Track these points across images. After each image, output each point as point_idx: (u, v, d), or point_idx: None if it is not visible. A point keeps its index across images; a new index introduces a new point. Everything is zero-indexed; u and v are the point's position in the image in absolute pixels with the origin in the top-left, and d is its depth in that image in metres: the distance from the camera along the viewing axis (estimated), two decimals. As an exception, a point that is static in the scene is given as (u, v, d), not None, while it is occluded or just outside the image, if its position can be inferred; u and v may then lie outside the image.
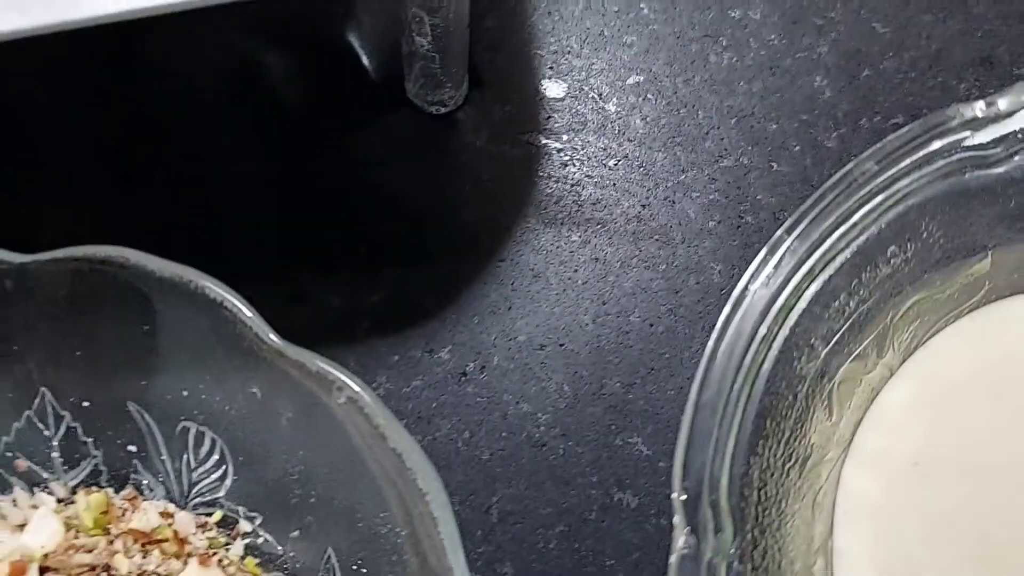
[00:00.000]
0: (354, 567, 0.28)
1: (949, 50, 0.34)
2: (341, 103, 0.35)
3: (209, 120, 0.36)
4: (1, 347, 0.30)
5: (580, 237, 0.34)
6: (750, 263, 0.32)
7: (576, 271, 0.34)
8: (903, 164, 0.25)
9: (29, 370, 0.30)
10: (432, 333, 0.33)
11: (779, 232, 0.24)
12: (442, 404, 0.33)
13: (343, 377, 0.26)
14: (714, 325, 0.32)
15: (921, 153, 0.25)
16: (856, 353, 0.25)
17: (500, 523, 0.31)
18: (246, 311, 0.27)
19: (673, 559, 0.22)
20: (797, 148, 0.34)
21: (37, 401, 0.30)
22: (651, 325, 0.33)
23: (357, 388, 0.26)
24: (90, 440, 0.30)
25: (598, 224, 0.34)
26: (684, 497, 0.22)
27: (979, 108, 0.25)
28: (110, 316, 0.29)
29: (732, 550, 0.22)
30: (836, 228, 0.24)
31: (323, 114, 0.36)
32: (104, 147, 0.35)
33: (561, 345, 0.33)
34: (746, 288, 0.24)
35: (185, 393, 0.29)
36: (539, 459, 0.32)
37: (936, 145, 0.25)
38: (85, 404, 0.30)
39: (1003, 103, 0.25)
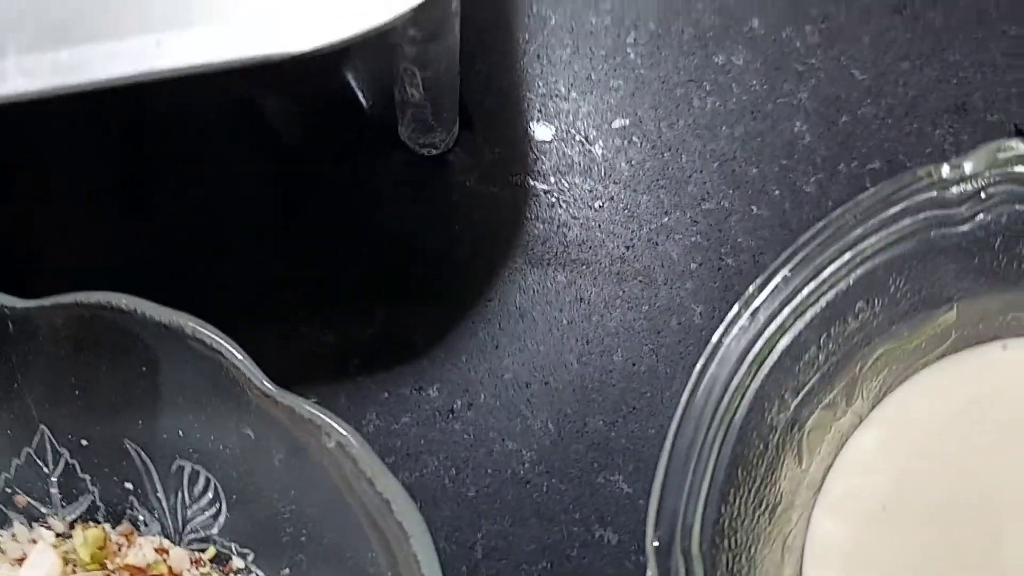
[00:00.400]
0: (343, 604, 0.29)
1: (925, 97, 0.35)
2: (335, 142, 0.36)
3: (206, 156, 0.37)
4: (2, 385, 0.31)
5: (566, 277, 0.35)
6: (730, 306, 0.34)
7: (561, 311, 0.35)
8: (871, 222, 0.26)
9: (29, 408, 0.31)
10: (421, 371, 0.34)
11: (752, 287, 0.25)
12: (430, 441, 0.33)
13: (331, 423, 0.27)
14: (694, 366, 0.33)
15: (890, 212, 0.26)
16: (826, 402, 0.26)
17: (484, 559, 0.32)
18: (240, 357, 0.28)
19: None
20: (777, 192, 0.35)
21: (36, 438, 0.31)
22: (633, 364, 0.34)
23: (345, 433, 0.27)
24: (88, 477, 0.31)
25: (583, 265, 0.35)
26: (657, 544, 0.23)
27: (945, 170, 0.26)
28: (109, 358, 0.30)
29: None
30: (807, 284, 0.25)
31: (317, 152, 0.36)
32: (103, 186, 0.36)
33: (546, 383, 0.34)
34: (720, 340, 0.25)
35: (180, 433, 0.30)
36: (523, 496, 0.33)
37: (904, 204, 0.26)
38: (83, 442, 0.31)
39: (968, 165, 0.26)
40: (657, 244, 0.35)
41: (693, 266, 0.34)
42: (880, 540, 0.27)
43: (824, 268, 0.26)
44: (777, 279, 0.25)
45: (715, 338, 0.25)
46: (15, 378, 0.31)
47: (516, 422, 0.33)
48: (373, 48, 0.35)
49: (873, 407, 0.27)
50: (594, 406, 0.33)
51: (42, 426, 0.31)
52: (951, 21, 0.36)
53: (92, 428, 0.31)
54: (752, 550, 0.25)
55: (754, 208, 0.35)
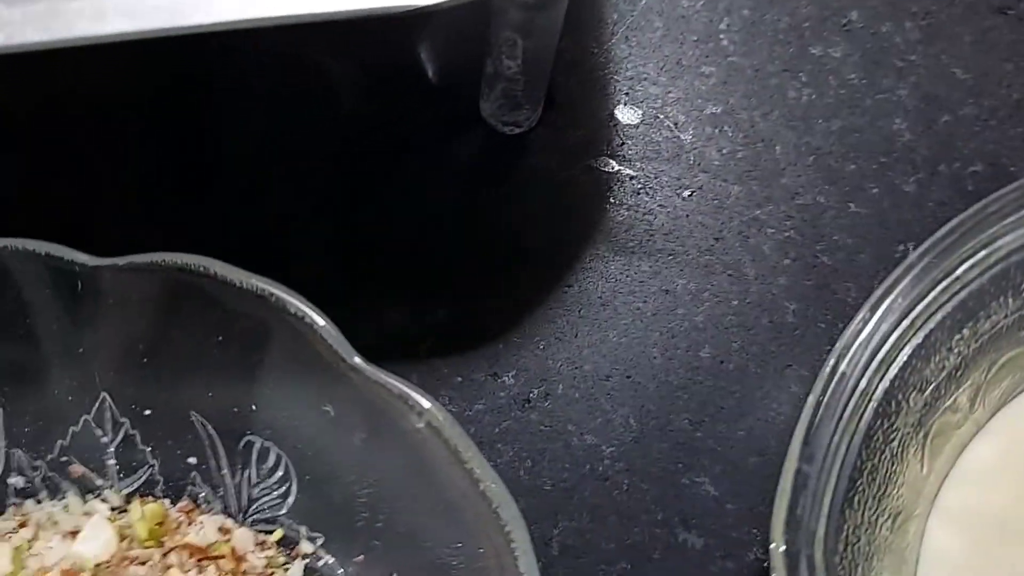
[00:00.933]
0: (419, 595, 0.27)
1: (1030, 99, 0.34)
2: (410, 119, 0.35)
3: (276, 130, 0.35)
4: (65, 349, 0.29)
5: (650, 267, 0.33)
6: (826, 304, 0.32)
7: (645, 302, 0.33)
8: (1009, 220, 0.24)
9: (92, 373, 0.29)
10: (496, 356, 0.33)
11: (882, 285, 0.24)
12: (504, 430, 0.32)
13: (423, 401, 0.26)
14: (788, 366, 0.32)
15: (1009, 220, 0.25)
16: (948, 406, 0.25)
17: (561, 556, 0.31)
18: (328, 327, 0.27)
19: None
20: (875, 190, 0.33)
21: (97, 406, 0.30)
22: (721, 362, 0.32)
23: (439, 414, 0.26)
24: (148, 449, 0.30)
25: (669, 255, 0.33)
26: (784, 549, 0.22)
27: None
28: (182, 324, 0.28)
29: None
30: (940, 282, 0.24)
31: (391, 129, 0.35)
32: (171, 154, 0.35)
33: (628, 377, 0.32)
34: (850, 339, 0.24)
35: (254, 407, 0.29)
36: (603, 493, 0.31)
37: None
38: (146, 412, 0.30)
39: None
40: (748, 237, 0.33)
41: (786, 262, 0.33)
42: (996, 558, 0.25)
43: (958, 266, 0.24)
44: (909, 276, 0.24)
45: (846, 335, 0.23)
46: (80, 341, 0.29)
47: (595, 415, 0.32)
48: (460, 15, 0.34)
49: (993, 415, 0.26)
50: (679, 403, 0.32)
51: (104, 393, 0.30)
52: (1058, 24, 0.35)
53: (157, 397, 0.29)
54: (873, 560, 0.23)
55: (851, 205, 0.33)
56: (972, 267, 0.24)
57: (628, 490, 0.31)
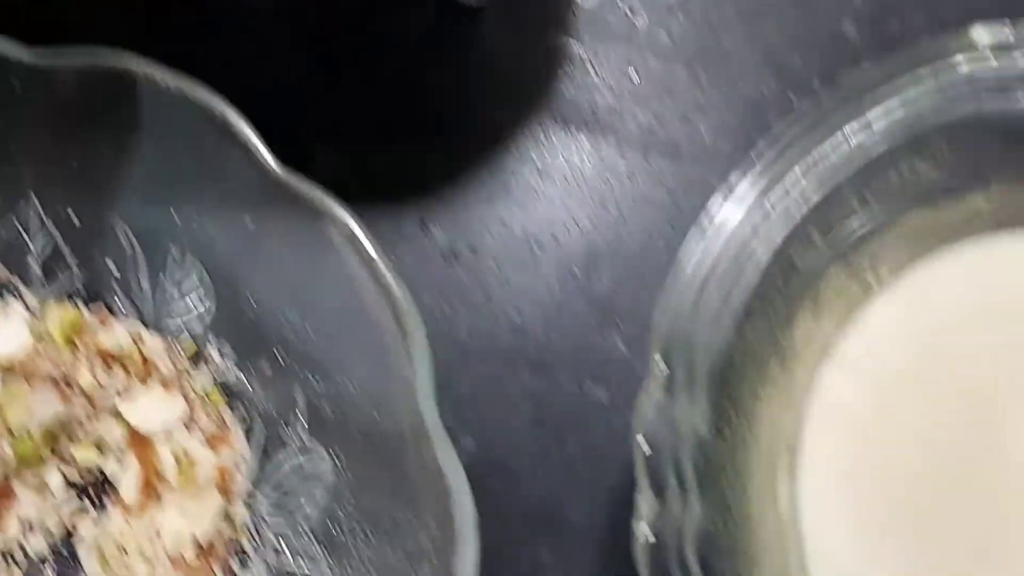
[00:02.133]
0: (321, 407, 0.28)
1: (980, 5, 0.35)
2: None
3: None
4: (-5, 143, 0.29)
5: (590, 142, 0.34)
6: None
7: (581, 173, 0.33)
8: (924, 71, 0.25)
9: (20, 173, 0.30)
10: (428, 209, 0.33)
11: (781, 126, 0.24)
12: (429, 280, 0.32)
13: (344, 215, 0.26)
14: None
15: (943, 65, 0.25)
16: (851, 259, 0.25)
17: (470, 399, 0.31)
18: (252, 136, 0.27)
19: (642, 402, 0.22)
20: (816, 84, 0.34)
21: (22, 205, 0.30)
22: (650, 236, 0.33)
23: (355, 226, 0.26)
24: (70, 251, 0.30)
25: (610, 131, 0.34)
26: (658, 357, 0.22)
27: (1007, 32, 0.25)
28: (111, 127, 0.29)
29: (701, 415, 0.22)
30: (843, 124, 0.24)
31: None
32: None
33: (555, 239, 0.33)
34: (762, 157, 0.24)
35: (176, 216, 0.29)
36: (517, 344, 0.32)
37: (959, 63, 0.25)
38: (71, 214, 0.30)
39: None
40: (689, 120, 0.34)
41: (725, 148, 0.34)
42: (885, 407, 0.26)
43: (868, 110, 0.25)
44: (810, 119, 0.24)
45: (756, 151, 0.24)
46: (10, 139, 0.29)
47: (519, 273, 0.32)
48: None
49: (896, 278, 0.26)
50: (601, 269, 0.32)
51: (31, 192, 0.30)
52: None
53: (83, 201, 0.29)
54: (758, 388, 0.24)
55: (791, 95, 0.34)
56: (884, 118, 0.25)
57: (543, 343, 0.32)
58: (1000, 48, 0.25)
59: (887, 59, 0.25)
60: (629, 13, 0.35)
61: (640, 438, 0.22)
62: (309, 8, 0.35)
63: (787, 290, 0.25)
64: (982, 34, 0.26)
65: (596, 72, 0.35)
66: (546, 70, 0.35)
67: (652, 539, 0.21)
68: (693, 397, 0.23)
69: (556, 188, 0.33)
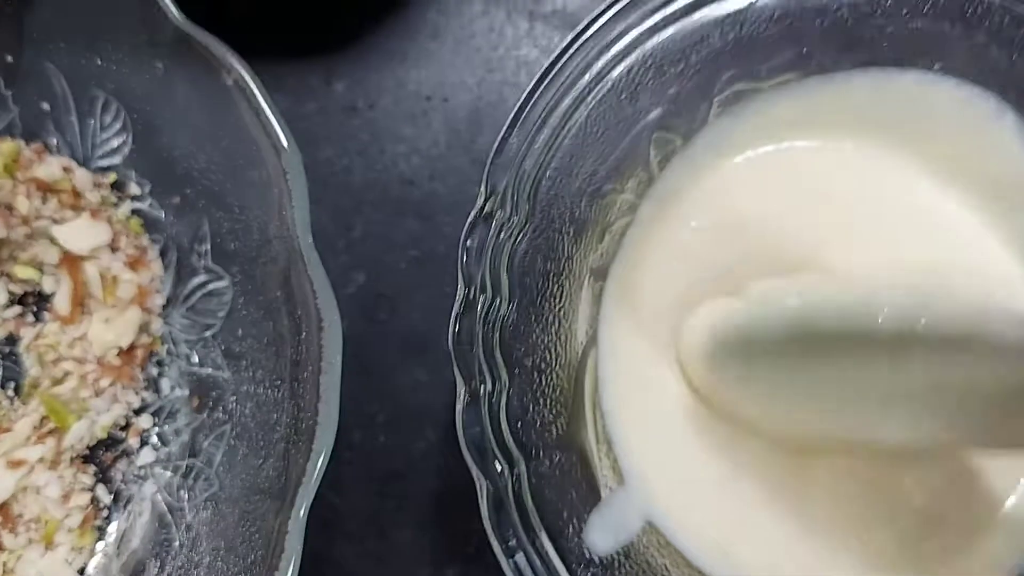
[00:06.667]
0: (222, 235, 0.32)
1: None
2: None
3: None
4: (-64, -9, 0.33)
5: (481, 7, 0.37)
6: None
7: (472, 37, 0.37)
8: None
9: (-41, 19, 0.33)
10: (332, 65, 0.37)
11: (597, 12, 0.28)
12: (329, 131, 0.36)
13: (232, 60, 0.30)
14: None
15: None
16: (673, 124, 0.30)
17: (361, 240, 0.36)
18: (160, -10, 0.30)
19: (472, 216, 0.26)
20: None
21: (-36, 49, 0.33)
22: (531, 94, 0.36)
23: (244, 73, 0.30)
24: (9, 94, 0.34)
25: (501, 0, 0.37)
26: (495, 163, 0.27)
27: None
28: (39, -21, 0.32)
29: (519, 227, 0.27)
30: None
31: None
32: None
33: (445, 100, 0.37)
34: (595, 21, 0.28)
35: (99, 61, 0.33)
36: (405, 194, 0.36)
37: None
38: (8, 58, 0.33)
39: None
40: (574, -7, 0.37)
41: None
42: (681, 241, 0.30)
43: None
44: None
45: (588, 19, 0.28)
46: (-50, -13, 0.33)
47: (411, 129, 0.36)
48: None
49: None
50: (485, 127, 0.36)
51: (-30, 38, 0.33)
52: None
53: (17, 47, 0.33)
54: (575, 212, 0.28)
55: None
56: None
57: (428, 193, 0.36)
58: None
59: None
60: None
61: (464, 235, 0.27)
62: None
63: (610, 133, 0.29)
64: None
65: (493, -55, 0.38)
66: (447, -59, 0.38)
67: (459, 324, 0.26)
68: (516, 212, 0.27)
69: (449, 50, 0.37)
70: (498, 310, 0.27)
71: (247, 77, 0.30)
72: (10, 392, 0.33)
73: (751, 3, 0.29)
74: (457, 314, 0.27)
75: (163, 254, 0.34)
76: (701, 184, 0.31)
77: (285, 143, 0.29)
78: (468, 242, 0.27)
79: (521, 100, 0.27)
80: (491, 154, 0.27)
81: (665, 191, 0.31)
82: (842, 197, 0.31)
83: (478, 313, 0.27)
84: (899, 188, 0.31)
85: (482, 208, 0.27)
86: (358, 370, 0.34)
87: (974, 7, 0.29)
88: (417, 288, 0.36)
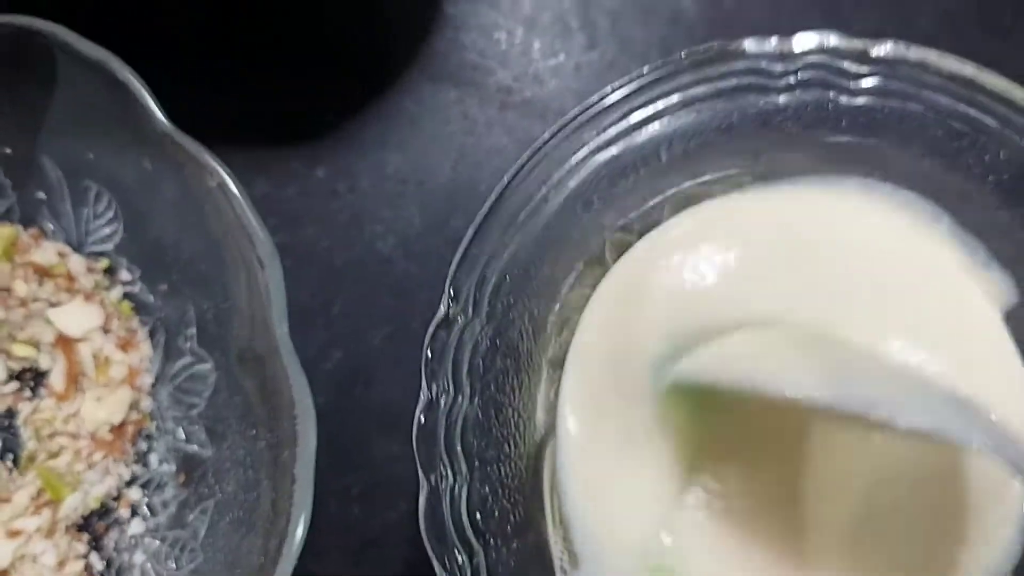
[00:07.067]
0: (207, 322, 0.34)
1: (806, -5, 0.40)
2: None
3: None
4: (-62, 91, 0.35)
5: (456, 95, 0.39)
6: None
7: (447, 124, 0.39)
8: (706, 71, 0.30)
9: (-38, 114, 0.35)
10: (313, 151, 0.39)
11: (585, 105, 0.30)
12: (311, 213, 0.38)
13: (215, 165, 0.32)
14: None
15: (721, 68, 0.31)
16: (625, 220, 0.32)
17: (339, 317, 0.38)
18: (145, 93, 0.32)
19: (434, 323, 0.28)
20: (654, 56, 0.39)
21: (-34, 142, 0.36)
22: (499, 180, 0.39)
23: (227, 177, 0.32)
24: (8, 182, 0.36)
25: (473, 87, 0.39)
26: (451, 291, 0.29)
27: (772, 43, 0.31)
28: (37, 80, 0.34)
29: (481, 328, 0.29)
30: (636, 110, 0.30)
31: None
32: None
33: (421, 183, 0.39)
34: (547, 141, 0.30)
35: (91, 156, 0.35)
36: (382, 272, 0.38)
37: (736, 65, 0.31)
38: (7, 150, 0.36)
39: (794, 44, 0.31)
40: (542, 82, 0.39)
41: (568, 107, 0.39)
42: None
43: (656, 100, 0.30)
44: (609, 100, 0.30)
45: (545, 136, 0.30)
46: (-49, 84, 0.35)
47: (389, 209, 0.38)
48: None
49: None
50: (458, 209, 0.38)
51: (-29, 131, 0.35)
52: (845, -67, 0.40)
53: (16, 139, 0.35)
54: (535, 312, 0.30)
55: (631, 66, 0.39)
56: (669, 106, 0.30)
57: (403, 272, 0.38)
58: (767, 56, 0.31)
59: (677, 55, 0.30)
60: (500, -21, 0.40)
61: (428, 341, 0.29)
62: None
63: (568, 240, 0.31)
64: (752, 44, 0.31)
65: (465, 31, 0.40)
66: (420, 27, 0.40)
67: (423, 421, 0.28)
68: (478, 316, 0.29)
69: (425, 136, 0.39)
70: (460, 407, 0.29)
71: (228, 181, 0.32)
72: (8, 463, 0.36)
73: (697, 118, 0.31)
74: (421, 412, 0.29)
75: (152, 335, 0.36)
76: (652, 275, 0.33)
77: (265, 243, 0.31)
78: (430, 347, 0.29)
79: (483, 213, 0.29)
80: (454, 264, 0.29)
81: (618, 283, 0.33)
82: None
83: (440, 411, 0.29)
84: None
85: (446, 314, 0.29)
86: (334, 443, 0.36)
87: (910, 122, 0.31)
88: (391, 363, 0.38)
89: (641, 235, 0.33)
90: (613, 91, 0.30)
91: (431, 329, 0.29)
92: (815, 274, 0.32)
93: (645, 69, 0.31)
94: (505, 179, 0.30)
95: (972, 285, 0.31)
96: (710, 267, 0.31)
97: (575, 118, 0.30)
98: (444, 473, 0.29)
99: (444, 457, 0.29)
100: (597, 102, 0.31)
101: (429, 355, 0.29)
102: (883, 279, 0.31)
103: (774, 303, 0.31)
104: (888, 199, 0.32)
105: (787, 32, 0.39)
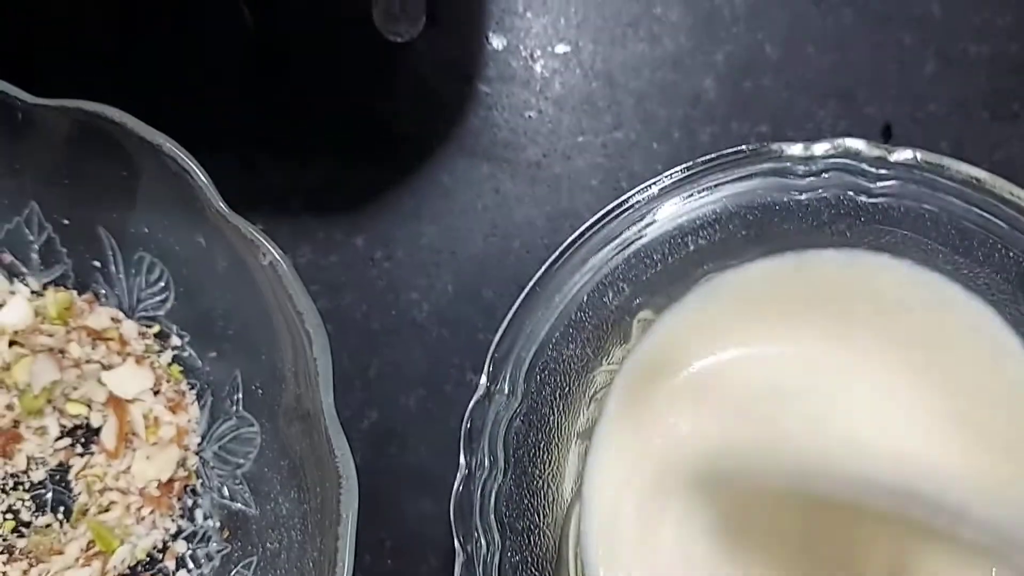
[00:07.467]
0: (253, 387, 0.36)
1: (820, 81, 0.42)
2: (315, 18, 0.42)
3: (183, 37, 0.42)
4: (5, 163, 0.37)
5: (488, 170, 0.41)
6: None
7: (479, 196, 0.41)
8: (733, 172, 0.33)
9: (25, 185, 0.37)
10: (353, 222, 0.41)
11: (630, 193, 0.32)
12: (350, 280, 0.41)
13: (268, 244, 0.34)
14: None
15: (749, 168, 0.33)
16: (654, 301, 0.34)
17: (376, 379, 0.40)
18: (203, 178, 0.35)
19: (473, 402, 0.31)
20: (677, 135, 0.41)
21: (27, 210, 0.38)
22: (528, 252, 0.41)
23: (277, 255, 0.34)
24: (64, 250, 0.38)
25: (505, 162, 0.41)
26: (495, 356, 0.31)
27: (798, 148, 0.33)
28: (96, 158, 0.36)
29: (516, 407, 0.31)
30: (668, 201, 0.32)
31: (300, 26, 0.42)
32: (107, 9, 0.42)
33: (453, 252, 0.41)
34: (592, 226, 0.32)
35: (146, 230, 0.37)
36: (416, 337, 0.40)
37: (762, 166, 0.33)
38: (65, 221, 0.38)
39: (817, 149, 0.33)
40: (570, 158, 0.41)
41: (594, 183, 0.41)
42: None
43: (687, 196, 0.33)
44: (647, 194, 0.32)
45: (582, 228, 0.32)
46: (17, 159, 0.37)
47: (423, 279, 0.41)
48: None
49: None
50: (489, 279, 0.41)
51: (33, 202, 0.38)
52: (859, 20, 0.42)
53: (74, 211, 0.37)
54: (565, 389, 0.33)
55: (655, 144, 0.41)
56: (699, 203, 0.33)
57: (437, 338, 0.40)
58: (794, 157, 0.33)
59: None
60: (530, 59, 0.42)
61: (467, 418, 0.31)
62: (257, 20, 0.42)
63: (600, 322, 0.33)
64: (781, 147, 0.33)
65: (497, 110, 0.42)
66: (457, 106, 0.42)
67: (460, 492, 0.30)
68: (513, 394, 0.32)
69: (458, 207, 0.41)
70: (495, 480, 0.31)
71: (279, 259, 0.34)
72: (60, 515, 0.38)
73: (723, 211, 0.33)
74: (459, 485, 0.31)
75: (199, 397, 0.38)
76: (671, 349, 0.35)
77: (312, 317, 0.33)
78: (468, 422, 0.31)
79: (522, 297, 0.32)
80: (492, 347, 0.31)
81: (641, 357, 0.35)
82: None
83: (476, 483, 0.31)
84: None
85: (485, 392, 0.31)
86: (369, 498, 0.38)
87: (925, 220, 0.33)
88: (424, 425, 0.40)
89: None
90: (646, 187, 0.32)
91: (470, 406, 0.31)
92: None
93: (678, 169, 0.33)
94: (543, 268, 0.32)
95: None
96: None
97: (609, 212, 0.32)
98: (479, 542, 0.31)
99: (479, 527, 0.31)
100: (630, 197, 0.33)
101: (467, 430, 0.31)
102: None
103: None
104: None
105: (803, 115, 0.42)
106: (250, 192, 0.40)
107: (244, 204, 0.35)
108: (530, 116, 0.42)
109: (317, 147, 0.41)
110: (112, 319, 0.38)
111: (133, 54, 0.42)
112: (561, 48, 0.42)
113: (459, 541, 0.30)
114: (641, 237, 0.33)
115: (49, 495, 0.38)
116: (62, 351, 0.38)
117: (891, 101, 0.42)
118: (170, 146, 0.34)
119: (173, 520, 0.38)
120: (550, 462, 0.33)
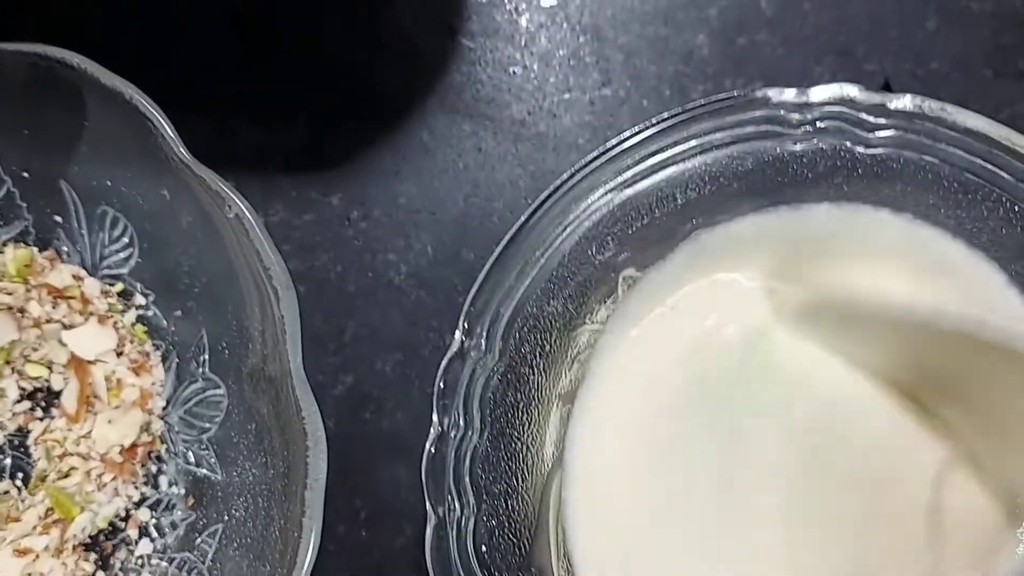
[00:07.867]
0: (220, 348, 0.35)
1: (817, 37, 0.40)
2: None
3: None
4: (-38, 113, 0.35)
5: (470, 128, 0.40)
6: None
7: (460, 156, 0.39)
8: (725, 119, 0.31)
9: (-17, 138, 0.36)
10: (329, 180, 0.39)
11: (608, 144, 0.31)
12: (325, 240, 0.39)
13: (234, 196, 0.32)
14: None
15: (739, 116, 0.31)
16: (640, 258, 0.32)
17: (351, 342, 0.38)
18: (167, 126, 0.33)
19: (447, 358, 0.29)
20: (668, 93, 0.40)
21: (-15, 164, 0.36)
22: (511, 212, 0.39)
23: (244, 209, 0.32)
24: (24, 205, 0.36)
25: (488, 120, 0.40)
26: (471, 310, 0.29)
27: (792, 93, 0.31)
28: (57, 107, 0.34)
29: (493, 363, 0.29)
30: (654, 154, 0.31)
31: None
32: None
33: (433, 213, 0.39)
34: (568, 179, 0.31)
35: (108, 182, 0.35)
36: (394, 300, 0.38)
37: (754, 113, 0.31)
38: (24, 174, 0.36)
39: (812, 95, 0.31)
40: (555, 116, 0.40)
41: (581, 141, 0.39)
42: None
43: (674, 144, 0.31)
44: (628, 144, 0.31)
45: (563, 176, 0.30)
46: (-26, 108, 0.35)
47: (400, 240, 0.39)
48: None
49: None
50: (470, 240, 0.39)
51: (-9, 153, 0.36)
52: (858, -25, 0.40)
53: (34, 163, 0.36)
54: (546, 347, 0.31)
55: (644, 102, 0.40)
56: (685, 150, 0.31)
57: (414, 300, 0.38)
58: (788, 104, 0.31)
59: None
60: (515, 12, 0.41)
61: (440, 375, 0.29)
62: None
63: (584, 279, 0.31)
64: (772, 93, 0.31)
65: (480, 65, 0.40)
66: (439, 60, 0.40)
67: (432, 454, 0.29)
68: (490, 351, 0.30)
69: (438, 167, 0.39)
70: (470, 441, 0.30)
71: (246, 212, 0.32)
72: (18, 483, 0.36)
73: (713, 163, 0.31)
74: (431, 445, 0.29)
75: (164, 359, 0.36)
76: (655, 310, 0.33)
77: (280, 274, 0.32)
78: (442, 380, 0.29)
79: (499, 249, 0.30)
80: (468, 299, 0.30)
81: (625, 317, 0.33)
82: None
83: (450, 444, 0.29)
84: None
85: (459, 348, 0.30)
86: (343, 466, 0.37)
87: (925, 173, 0.31)
88: (401, 390, 0.38)
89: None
90: (632, 135, 0.31)
91: (443, 363, 0.29)
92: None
93: (665, 114, 0.31)
94: (522, 218, 0.30)
95: None
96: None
97: (593, 160, 0.31)
98: (452, 506, 0.29)
99: (452, 490, 0.29)
100: (615, 144, 0.31)
101: (441, 388, 0.29)
102: None
103: None
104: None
105: (799, 72, 0.40)
106: (223, 150, 0.39)
107: (212, 161, 0.33)
108: (514, 72, 0.40)
109: (296, 105, 0.40)
110: (74, 277, 0.36)
111: (103, 8, 0.40)
112: (547, 1, 0.40)
113: (430, 504, 0.29)
114: (626, 189, 0.31)
115: (7, 461, 0.36)
116: (21, 310, 0.36)
117: (891, 58, 0.40)
118: (132, 93, 0.33)
119: (136, 487, 0.36)
120: (529, 424, 0.31)
